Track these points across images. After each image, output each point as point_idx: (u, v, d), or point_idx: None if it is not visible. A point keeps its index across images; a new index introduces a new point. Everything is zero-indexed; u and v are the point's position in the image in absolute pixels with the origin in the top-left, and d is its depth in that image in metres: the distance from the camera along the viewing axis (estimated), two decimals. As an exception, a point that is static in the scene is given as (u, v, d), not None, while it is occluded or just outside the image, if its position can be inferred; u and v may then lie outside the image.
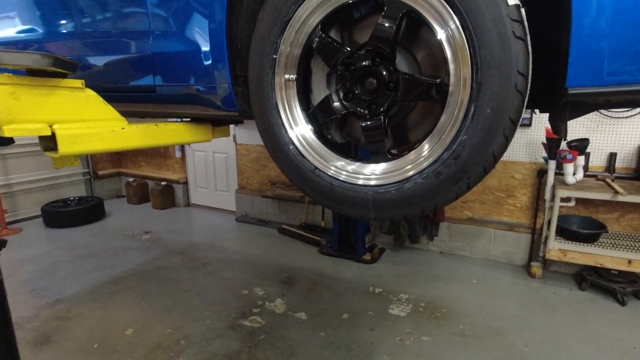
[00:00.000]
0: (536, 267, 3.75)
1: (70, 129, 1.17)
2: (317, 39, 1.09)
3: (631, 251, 3.22)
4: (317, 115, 1.17)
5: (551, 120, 1.24)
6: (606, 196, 3.18)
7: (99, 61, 1.55)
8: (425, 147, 1.00)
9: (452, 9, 0.89)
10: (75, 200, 5.84)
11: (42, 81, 1.13)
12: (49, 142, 1.19)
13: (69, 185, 6.20)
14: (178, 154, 6.38)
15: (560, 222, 3.47)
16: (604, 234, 3.46)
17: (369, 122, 1.08)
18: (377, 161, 1.08)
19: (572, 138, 3.42)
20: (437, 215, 4.22)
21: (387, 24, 0.98)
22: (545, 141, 3.43)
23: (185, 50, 1.34)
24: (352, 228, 4.33)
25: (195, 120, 1.63)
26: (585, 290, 3.50)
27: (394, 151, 1.15)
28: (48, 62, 1.09)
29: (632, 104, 1.60)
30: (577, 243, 3.40)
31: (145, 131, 1.39)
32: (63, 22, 1.62)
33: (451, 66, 0.92)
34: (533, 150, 3.83)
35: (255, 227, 5.44)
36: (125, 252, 4.61)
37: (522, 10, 0.86)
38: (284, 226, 5.12)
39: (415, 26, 1.05)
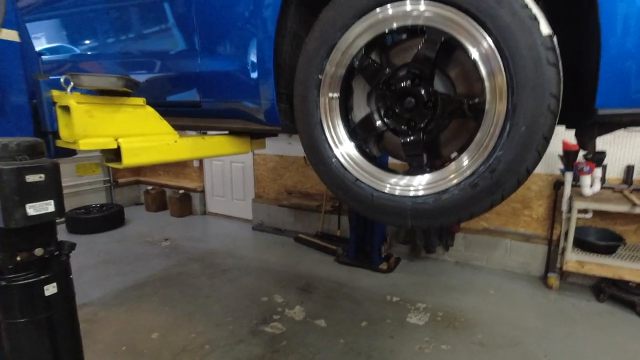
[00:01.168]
0: (553, 279, 3.76)
1: (132, 143, 1.28)
2: (360, 61, 1.19)
3: (650, 263, 3.23)
4: (359, 131, 1.27)
5: (578, 136, 1.32)
6: (624, 208, 3.21)
7: (148, 77, 1.67)
8: (462, 161, 1.09)
9: (490, 38, 0.98)
10: (96, 207, 6.01)
11: (111, 100, 1.25)
12: (110, 154, 1.31)
13: (91, 193, 6.38)
14: (196, 163, 6.53)
15: (577, 233, 3.50)
16: (622, 246, 3.47)
17: (408, 138, 1.17)
18: (415, 174, 1.17)
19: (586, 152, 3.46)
20: (453, 226, 4.27)
21: (427, 49, 1.08)
22: (562, 153, 3.48)
23: (233, 69, 1.45)
24: (369, 238, 4.39)
25: (235, 133, 1.73)
26: (604, 302, 3.50)
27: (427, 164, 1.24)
28: (122, 83, 1.21)
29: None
30: (595, 255, 3.42)
31: (194, 144, 1.50)
32: (117, 41, 1.76)
33: (488, 88, 1.01)
34: (549, 162, 3.88)
35: (272, 235, 5.53)
36: (146, 258, 4.73)
37: (555, 39, 0.95)
38: (300, 235, 5.20)
39: (452, 50, 1.15)
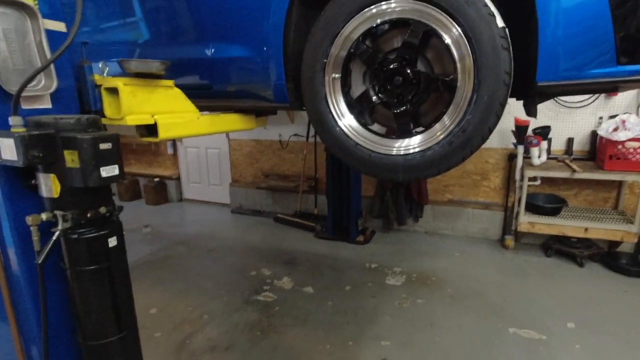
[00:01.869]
0: (509, 240, 4.28)
1: (166, 119, 1.48)
2: (358, 47, 1.46)
3: (587, 221, 3.80)
4: (357, 105, 1.55)
5: (525, 105, 1.68)
6: (565, 174, 3.73)
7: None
8: (441, 125, 1.40)
9: (461, 29, 1.29)
10: (70, 198, 5.93)
11: (148, 82, 1.43)
12: (143, 130, 1.50)
13: (62, 185, 6.25)
14: (170, 151, 6.57)
15: (528, 199, 4.01)
16: (565, 207, 4.03)
17: (398, 109, 1.47)
18: (405, 137, 1.47)
19: (536, 126, 3.95)
20: (422, 198, 4.69)
21: (413, 37, 1.37)
22: (514, 129, 3.95)
23: (245, 55, 1.67)
24: (346, 213, 4.72)
25: (242, 111, 1.96)
26: (551, 257, 4.05)
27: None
28: (163, 67, 1.41)
29: (578, 93, 2.07)
30: (543, 216, 3.95)
31: (212, 120, 1.72)
32: (144, 30, 1.93)
33: (460, 68, 1.32)
34: (503, 137, 4.36)
35: (251, 217, 5.74)
36: (129, 245, 4.69)
37: (506, 30, 1.27)
38: (279, 215, 5.45)
39: (431, 39, 1.45)
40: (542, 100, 1.53)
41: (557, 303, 3.21)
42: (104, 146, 1.13)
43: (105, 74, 1.42)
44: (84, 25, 1.99)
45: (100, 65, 1.40)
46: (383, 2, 1.37)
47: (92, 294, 1.30)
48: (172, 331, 2.99)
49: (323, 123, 1.56)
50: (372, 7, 1.39)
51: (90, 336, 1.33)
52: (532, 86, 1.33)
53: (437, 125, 1.40)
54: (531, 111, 1.61)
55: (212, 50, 1.76)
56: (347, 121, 1.55)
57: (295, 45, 1.66)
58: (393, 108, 1.48)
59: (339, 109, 1.54)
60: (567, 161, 3.99)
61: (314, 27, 1.50)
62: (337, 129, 1.54)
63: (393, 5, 1.36)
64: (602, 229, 3.71)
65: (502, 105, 1.30)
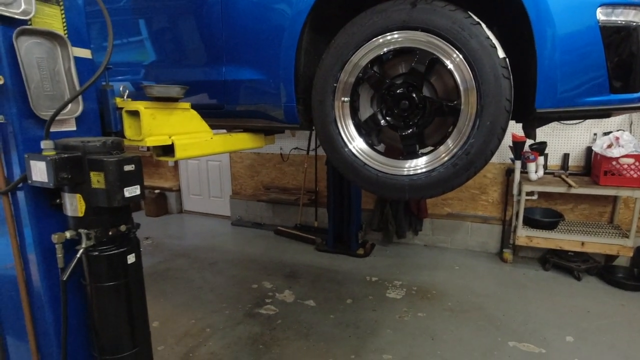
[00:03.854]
0: (507, 253, 4.35)
1: (182, 140, 1.55)
2: (367, 73, 1.54)
3: (583, 235, 3.87)
4: (365, 127, 1.63)
5: (524, 128, 1.77)
6: (562, 189, 3.82)
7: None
8: (446, 148, 1.47)
9: (465, 61, 1.37)
10: (71, 210, 5.94)
11: (167, 105, 1.51)
12: (159, 150, 1.57)
13: (62, 196, 6.27)
14: (171, 163, 6.62)
15: (526, 213, 4.08)
16: (562, 221, 4.10)
17: (405, 131, 1.55)
18: (411, 158, 1.54)
19: (533, 142, 4.05)
20: (421, 213, 4.76)
21: (419, 65, 1.45)
22: (512, 144, 4.04)
23: (258, 78, 1.75)
24: (346, 227, 4.78)
25: (251, 130, 2.04)
26: (549, 271, 4.11)
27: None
28: (183, 92, 1.48)
29: (574, 118, 2.16)
30: (541, 230, 4.02)
31: (224, 140, 1.79)
32: (156, 52, 2.02)
33: (463, 95, 1.41)
34: (501, 152, 4.45)
35: (251, 230, 5.77)
36: (130, 256, 4.81)
37: (507, 60, 1.36)
38: (279, 228, 5.49)
39: (435, 65, 1.53)
40: (540, 125, 1.61)
41: (555, 316, 3.26)
42: (127, 168, 1.19)
43: (125, 97, 1.49)
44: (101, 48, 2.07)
45: (121, 89, 1.47)
46: (390, 33, 1.45)
47: (110, 309, 1.35)
48: (175, 345, 3.00)
49: (332, 144, 1.63)
50: (379, 37, 1.47)
51: (106, 351, 1.37)
52: (531, 111, 1.41)
53: (442, 148, 1.48)
54: (530, 134, 1.70)
55: (225, 72, 1.84)
56: (355, 142, 1.62)
57: (306, 69, 1.74)
58: (400, 130, 1.56)
59: (348, 131, 1.62)
60: (564, 176, 4.08)
61: (325, 54, 1.59)
62: (346, 149, 1.61)
63: (400, 35, 1.45)
64: (598, 243, 3.78)
65: (504, 129, 1.38)
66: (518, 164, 4.06)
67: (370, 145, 1.63)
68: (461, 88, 1.40)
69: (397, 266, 4.39)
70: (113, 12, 2.06)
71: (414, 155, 1.54)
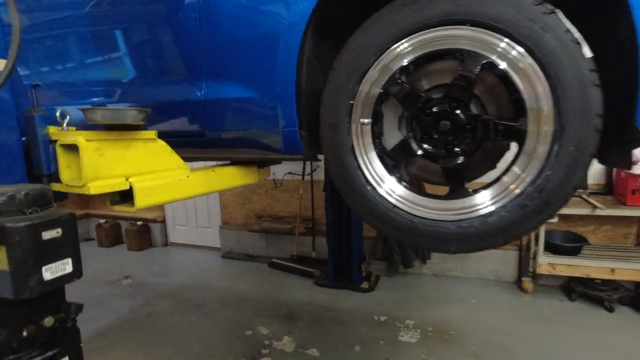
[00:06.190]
0: (527, 282, 3.95)
1: (144, 181, 1.12)
2: (395, 85, 1.16)
3: (613, 261, 3.50)
4: (393, 157, 1.23)
5: (610, 155, 1.31)
6: (586, 211, 3.46)
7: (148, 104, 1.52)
8: (508, 183, 1.08)
9: (537, 64, 1.00)
10: (42, 247, 5.40)
11: (122, 134, 1.09)
12: (115, 196, 1.14)
13: (34, 232, 5.73)
14: (154, 192, 6.14)
15: (545, 237, 3.71)
16: (586, 246, 3.73)
17: (449, 162, 1.15)
18: (458, 197, 1.14)
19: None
20: (429, 239, 4.35)
21: (466, 72, 1.07)
22: (526, 163, 3.70)
23: (247, 96, 1.35)
24: (347, 257, 4.34)
25: (241, 163, 1.62)
26: (575, 301, 3.71)
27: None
28: (142, 117, 1.06)
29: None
30: (563, 256, 3.64)
31: (206, 178, 1.37)
32: (118, 67, 1.59)
33: (533, 111, 1.03)
34: (513, 171, 4.10)
35: (243, 262, 5.29)
36: (106, 300, 4.29)
37: (594, 61, 0.99)
38: (274, 260, 5.03)
39: (486, 73, 1.15)
40: (637, 146, 1.23)
41: (593, 358, 2.84)
42: (49, 235, 0.76)
43: (65, 125, 1.07)
44: (38, 61, 1.65)
45: (57, 114, 1.06)
46: (427, 30, 1.08)
47: None
48: (154, 417, 2.49)
49: (350, 181, 1.23)
50: (412, 36, 1.09)
51: None
52: (630, 130, 1.04)
53: (504, 181, 1.09)
54: (623, 162, 1.25)
55: (206, 89, 1.44)
56: (380, 178, 1.22)
57: (308, 84, 1.35)
58: (442, 161, 1.16)
59: (370, 163, 1.22)
60: (584, 196, 3.72)
61: (337, 61, 1.20)
62: (369, 187, 1.21)
63: (441, 33, 1.07)
64: (630, 270, 3.41)
65: (592, 156, 1.00)
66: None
67: (400, 180, 1.22)
68: (527, 101, 1.03)
69: (406, 301, 3.95)
70: (63, 23, 1.67)
71: (463, 193, 1.14)
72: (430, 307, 3.79)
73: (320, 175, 4.82)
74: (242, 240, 5.48)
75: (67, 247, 0.81)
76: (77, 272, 0.83)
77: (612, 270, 3.46)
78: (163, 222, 6.11)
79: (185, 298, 4.24)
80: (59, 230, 0.79)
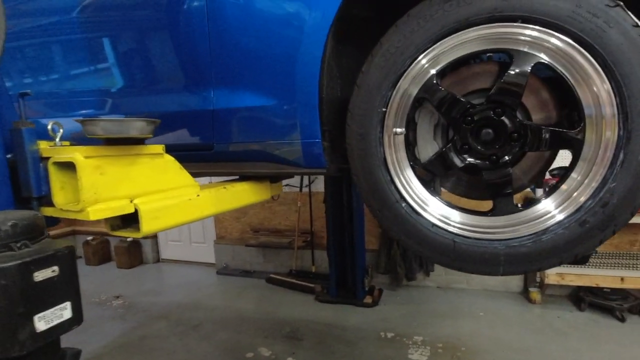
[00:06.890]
0: (535, 293, 3.84)
1: (152, 203, 0.97)
2: (433, 91, 1.04)
3: (623, 269, 3.42)
4: (430, 169, 1.11)
5: None
6: (595, 219, 3.39)
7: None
8: (565, 196, 0.97)
9: (599, 64, 0.89)
10: (27, 268, 5.13)
11: (125, 149, 0.94)
12: (116, 220, 0.99)
13: (18, 252, 5.46)
14: (145, 207, 5.93)
15: (553, 246, 3.62)
16: (593, 254, 3.65)
17: (494, 175, 1.04)
18: (505, 213, 1.03)
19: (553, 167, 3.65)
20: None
21: (514, 76, 0.96)
22: (532, 171, 3.63)
23: (262, 105, 1.22)
24: (349, 271, 4.21)
25: (251, 178, 1.47)
26: (584, 311, 3.62)
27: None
28: (150, 129, 0.92)
29: None
30: (572, 265, 3.55)
31: (217, 196, 1.22)
32: (120, 75, 1.44)
33: (593, 117, 0.92)
34: (517, 179, 4.04)
35: (240, 279, 5.10)
36: (97, 323, 4.05)
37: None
38: (272, 275, 4.86)
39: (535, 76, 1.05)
40: None
41: (614, 374, 2.73)
42: (42, 275, 0.61)
43: (58, 140, 0.92)
44: (25, 69, 1.50)
45: (49, 127, 0.91)
46: (470, 28, 0.97)
47: None
48: None
49: (382, 197, 1.10)
50: (454, 35, 0.98)
51: None
52: None
53: (560, 195, 0.97)
54: None
55: (215, 98, 1.30)
56: (417, 193, 1.10)
57: (329, 90, 1.22)
58: (486, 174, 1.05)
59: (405, 177, 1.10)
60: (590, 203, 3.66)
61: (367, 65, 1.08)
62: (404, 204, 1.09)
63: (488, 31, 0.96)
64: (641, 278, 3.34)
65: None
66: (539, 192, 3.63)
67: (438, 195, 1.10)
68: (586, 107, 0.92)
69: (413, 316, 3.80)
70: (61, 29, 1.52)
71: (511, 208, 1.03)
72: (438, 321, 3.66)
73: (317, 186, 4.69)
74: (238, 256, 5.29)
75: (65, 288, 0.66)
76: (77, 318, 0.68)
77: (622, 279, 3.39)
78: (154, 237, 5.88)
79: (181, 319, 4.03)
80: (55, 268, 0.64)
